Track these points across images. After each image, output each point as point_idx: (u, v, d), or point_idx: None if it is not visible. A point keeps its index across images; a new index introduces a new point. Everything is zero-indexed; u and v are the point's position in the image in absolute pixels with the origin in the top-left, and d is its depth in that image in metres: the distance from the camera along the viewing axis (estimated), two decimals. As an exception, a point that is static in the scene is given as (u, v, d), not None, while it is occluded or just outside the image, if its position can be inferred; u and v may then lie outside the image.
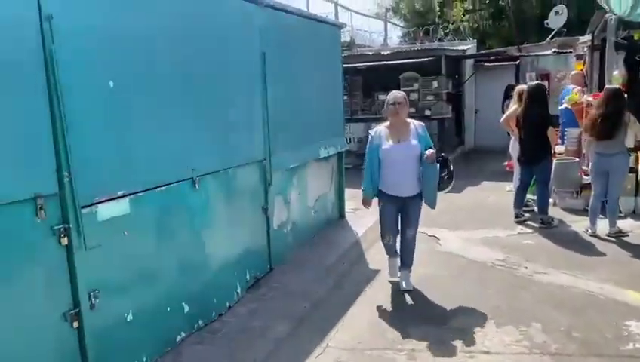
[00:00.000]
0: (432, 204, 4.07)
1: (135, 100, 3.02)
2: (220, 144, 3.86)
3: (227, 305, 3.93)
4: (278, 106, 4.60)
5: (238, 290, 4.12)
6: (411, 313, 3.89)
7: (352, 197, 6.53)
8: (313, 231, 5.61)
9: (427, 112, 10.30)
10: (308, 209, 5.55)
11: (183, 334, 3.45)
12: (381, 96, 10.65)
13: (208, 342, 3.45)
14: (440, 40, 14.41)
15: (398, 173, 3.97)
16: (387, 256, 4.41)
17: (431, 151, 3.85)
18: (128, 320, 3.00)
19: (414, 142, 3.94)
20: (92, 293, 2.73)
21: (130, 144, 2.99)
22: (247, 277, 4.29)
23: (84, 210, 2.67)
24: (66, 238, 2.60)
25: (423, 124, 4.15)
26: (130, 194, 2.99)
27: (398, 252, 4.30)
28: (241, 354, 3.31)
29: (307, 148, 5.31)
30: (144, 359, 3.11)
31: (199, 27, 3.57)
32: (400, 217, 4.13)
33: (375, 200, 4.20)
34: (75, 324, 2.66)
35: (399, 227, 4.18)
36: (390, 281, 4.35)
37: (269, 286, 4.36)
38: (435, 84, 10.49)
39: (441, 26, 15.84)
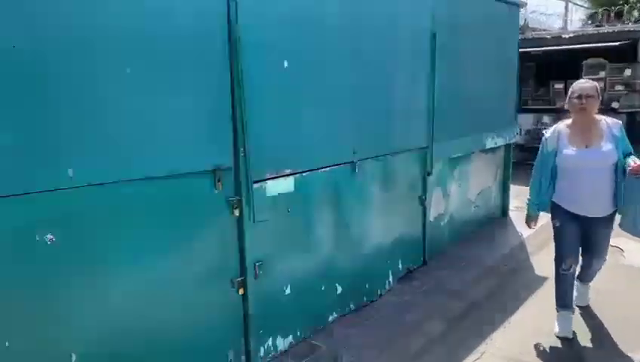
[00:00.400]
0: (636, 231, 3.14)
1: (305, 81, 3.07)
2: (382, 129, 3.77)
3: (378, 292, 3.87)
4: (445, 91, 4.35)
5: (390, 279, 4.03)
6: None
7: (517, 195, 5.98)
8: (472, 227, 5.25)
9: (614, 104, 8.95)
10: (468, 203, 5.21)
11: (334, 314, 3.48)
12: (557, 85, 9.60)
13: (360, 327, 3.43)
14: (636, 22, 12.40)
15: (584, 187, 3.14)
16: (556, 306, 3.37)
17: (637, 161, 3.02)
18: (286, 293, 3.10)
19: (608, 146, 3.08)
20: (257, 264, 2.87)
21: (298, 123, 3.06)
22: (400, 267, 4.18)
23: (255, 185, 2.80)
24: (237, 210, 2.75)
25: (620, 122, 3.24)
26: (295, 173, 3.07)
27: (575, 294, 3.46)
28: (393, 345, 3.22)
29: (472, 138, 4.96)
30: (298, 333, 3.20)
31: (370, 6, 3.50)
32: (582, 241, 3.29)
33: (540, 220, 3.44)
34: (241, 291, 2.82)
35: (580, 253, 3.35)
36: (558, 337, 3.29)
37: (422, 280, 4.19)
38: (628, 72, 9.05)
39: (637, 6, 13.63)
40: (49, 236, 2.07)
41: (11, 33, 1.88)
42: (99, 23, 2.11)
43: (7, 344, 1.98)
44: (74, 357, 2.18)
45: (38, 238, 2.03)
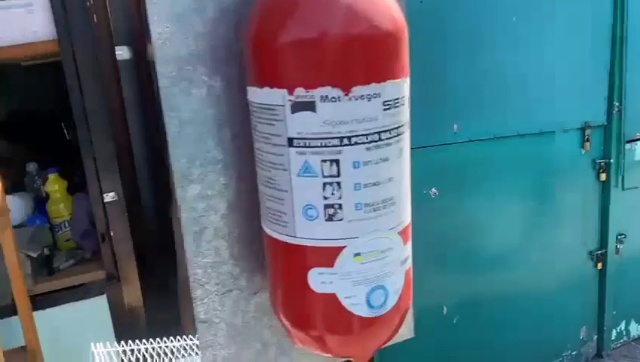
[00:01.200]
0: None
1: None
2: None
3: None
4: None
5: None
6: None
7: None
8: None
9: None
10: None
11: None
12: None
13: None
14: None
15: None
16: None
17: None
18: (645, 274, 2.67)
19: None
20: (619, 237, 2.52)
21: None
22: None
23: (626, 146, 2.42)
24: (604, 174, 2.42)
25: None
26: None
27: None
28: None
29: None
30: (654, 321, 2.76)
31: None
32: None
33: None
34: (599, 266, 2.51)
35: None
36: None
37: None
38: None
39: None
40: (433, 190, 2.10)
41: None
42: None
43: (396, 288, 2.10)
44: (445, 310, 2.22)
45: (425, 191, 2.09)
